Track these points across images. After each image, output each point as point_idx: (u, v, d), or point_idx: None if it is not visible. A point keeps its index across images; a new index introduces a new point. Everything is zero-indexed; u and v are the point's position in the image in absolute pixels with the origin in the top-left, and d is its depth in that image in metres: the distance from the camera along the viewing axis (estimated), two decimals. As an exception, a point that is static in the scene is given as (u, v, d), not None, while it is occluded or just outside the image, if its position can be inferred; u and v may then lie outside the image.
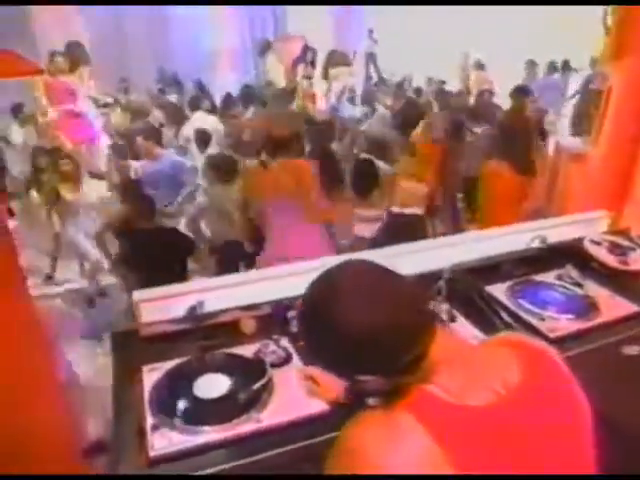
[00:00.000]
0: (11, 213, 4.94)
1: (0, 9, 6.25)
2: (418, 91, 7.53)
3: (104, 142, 5.52)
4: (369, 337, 0.74)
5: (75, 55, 5.58)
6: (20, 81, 4.90)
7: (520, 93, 4.46)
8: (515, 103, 4.40)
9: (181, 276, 3.09)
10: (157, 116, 6.15)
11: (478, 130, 4.66)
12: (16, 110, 5.65)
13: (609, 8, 2.98)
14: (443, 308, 1.61)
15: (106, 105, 6.08)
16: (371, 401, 0.85)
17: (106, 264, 3.68)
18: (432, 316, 0.82)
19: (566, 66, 8.19)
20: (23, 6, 7.08)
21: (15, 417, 1.27)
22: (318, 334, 0.80)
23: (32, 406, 1.36)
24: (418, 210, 3.34)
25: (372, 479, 0.70)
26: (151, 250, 2.97)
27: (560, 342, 1.49)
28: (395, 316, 0.75)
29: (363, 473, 0.70)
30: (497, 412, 0.75)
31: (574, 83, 7.58)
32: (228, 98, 6.21)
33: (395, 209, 3.33)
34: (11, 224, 4.34)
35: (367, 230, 3.43)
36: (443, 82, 8.67)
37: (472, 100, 7.08)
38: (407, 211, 3.28)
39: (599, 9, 3.12)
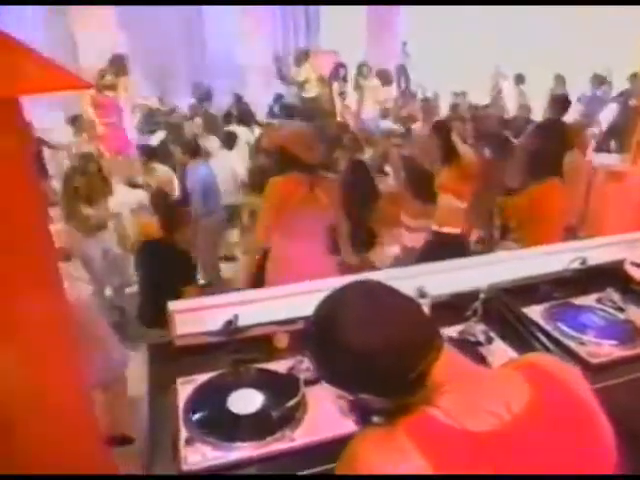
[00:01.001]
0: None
1: (46, 25, 6.53)
2: (454, 107, 7.43)
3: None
4: (369, 358, 0.77)
5: (119, 67, 5.82)
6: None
7: (559, 103, 4.40)
8: (553, 113, 4.34)
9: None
10: (190, 127, 6.32)
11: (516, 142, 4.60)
12: (74, 121, 5.86)
13: None
14: (479, 329, 1.59)
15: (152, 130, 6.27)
16: (375, 419, 0.87)
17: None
18: (434, 337, 0.81)
19: (604, 80, 8.02)
20: (67, 20, 7.37)
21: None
22: (321, 353, 0.84)
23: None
24: (456, 229, 3.23)
25: (371, 479, 0.71)
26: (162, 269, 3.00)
27: (602, 369, 1.45)
28: (395, 338, 0.78)
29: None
30: (498, 438, 0.74)
31: (613, 98, 7.45)
32: (271, 111, 6.31)
33: (434, 227, 3.24)
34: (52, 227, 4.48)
35: (415, 241, 3.40)
36: (464, 93, 8.61)
37: (506, 114, 7.02)
38: (445, 230, 3.20)
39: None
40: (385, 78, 8.16)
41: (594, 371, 1.44)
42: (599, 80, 8.12)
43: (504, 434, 0.74)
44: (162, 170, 4.68)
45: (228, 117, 6.10)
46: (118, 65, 5.91)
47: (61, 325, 1.28)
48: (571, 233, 3.99)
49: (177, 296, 2.82)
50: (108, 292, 3.95)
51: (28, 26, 6.52)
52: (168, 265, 3.02)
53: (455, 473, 0.70)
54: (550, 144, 3.94)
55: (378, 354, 0.77)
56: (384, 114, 7.42)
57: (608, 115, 7.34)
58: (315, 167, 2.51)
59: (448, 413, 0.75)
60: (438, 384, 0.79)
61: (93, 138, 5.59)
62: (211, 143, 5.18)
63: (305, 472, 1.13)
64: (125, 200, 4.40)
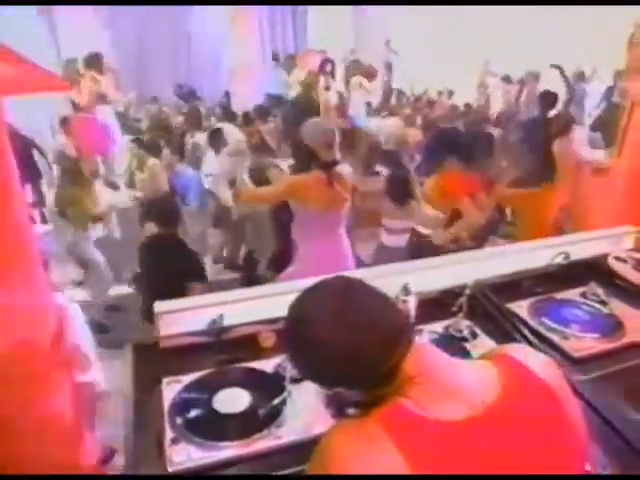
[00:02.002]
0: (44, 219, 5.08)
1: (29, 24, 6.45)
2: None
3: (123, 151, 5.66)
4: (340, 353, 0.79)
5: (96, 66, 5.77)
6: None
7: (547, 99, 4.43)
8: (541, 109, 4.37)
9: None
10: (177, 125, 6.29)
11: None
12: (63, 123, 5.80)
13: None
14: (464, 324, 1.60)
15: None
16: (351, 411, 0.88)
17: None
18: (405, 330, 0.83)
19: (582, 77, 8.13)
20: (49, 19, 7.30)
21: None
22: (295, 349, 0.86)
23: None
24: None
25: (371, 479, 0.71)
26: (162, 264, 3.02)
27: (584, 362, 1.46)
28: (366, 332, 0.79)
29: (332, 474, 0.74)
30: (469, 428, 0.75)
31: (597, 95, 7.53)
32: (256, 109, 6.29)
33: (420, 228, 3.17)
34: (42, 229, 4.46)
35: (392, 241, 3.39)
36: (451, 93, 8.67)
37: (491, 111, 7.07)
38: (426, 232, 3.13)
39: (624, 22, 3.10)
40: (371, 75, 8.16)
41: (578, 364, 1.46)
42: (579, 77, 8.24)
43: (476, 424, 0.76)
44: (154, 163, 4.66)
45: (214, 114, 6.08)
46: (95, 63, 5.85)
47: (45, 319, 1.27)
48: (558, 227, 4.04)
49: (182, 292, 2.92)
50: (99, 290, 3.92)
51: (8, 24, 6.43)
52: (175, 260, 3.06)
53: (428, 462, 0.71)
54: (536, 140, 4.00)
55: (349, 349, 0.78)
56: (369, 111, 7.44)
57: (593, 111, 7.43)
58: (334, 164, 2.52)
59: (420, 403, 0.77)
60: (411, 376, 0.80)
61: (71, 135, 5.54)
62: (199, 141, 5.17)
63: (292, 470, 1.12)
64: (108, 200, 4.38)
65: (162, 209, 3.26)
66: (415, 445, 0.72)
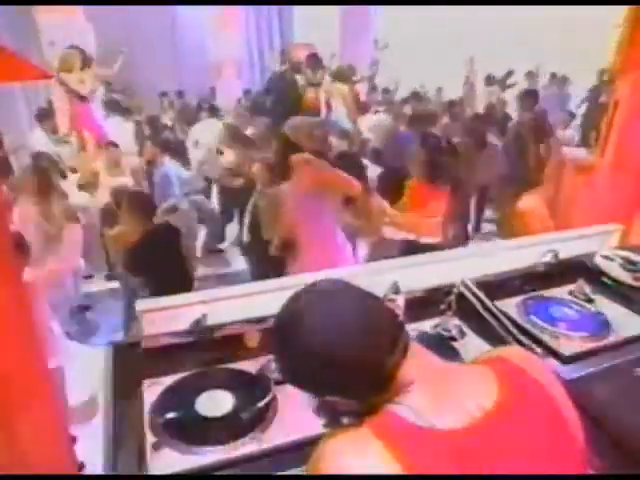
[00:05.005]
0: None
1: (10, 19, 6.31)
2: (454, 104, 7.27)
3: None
4: (332, 361, 0.75)
5: (81, 60, 5.67)
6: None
7: (529, 97, 4.45)
8: (523, 108, 4.39)
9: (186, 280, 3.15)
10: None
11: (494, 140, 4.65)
12: (43, 117, 5.67)
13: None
14: (453, 323, 1.58)
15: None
16: (344, 420, 0.85)
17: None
18: (399, 335, 0.79)
19: (563, 78, 8.26)
20: (32, 15, 7.12)
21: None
22: (284, 356, 0.82)
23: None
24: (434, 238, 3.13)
25: (370, 479, 0.69)
26: (155, 249, 3.04)
27: (573, 361, 1.45)
28: (358, 339, 0.76)
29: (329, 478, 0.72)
30: (468, 436, 0.73)
31: (581, 94, 7.62)
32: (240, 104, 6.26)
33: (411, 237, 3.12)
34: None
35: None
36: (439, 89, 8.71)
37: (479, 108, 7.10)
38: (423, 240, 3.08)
39: (608, 21, 3.11)
40: (353, 73, 8.12)
41: (566, 363, 1.45)
42: (557, 78, 8.35)
43: (474, 431, 0.73)
44: (134, 160, 4.60)
45: (199, 109, 6.02)
46: (80, 57, 5.74)
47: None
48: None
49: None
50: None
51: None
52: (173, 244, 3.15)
53: (425, 473, 0.69)
54: (522, 141, 4.01)
55: (341, 356, 0.75)
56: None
57: (577, 110, 7.52)
58: (316, 154, 2.57)
59: (417, 412, 0.74)
60: (406, 383, 0.77)
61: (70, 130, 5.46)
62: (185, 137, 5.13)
63: (275, 474, 1.09)
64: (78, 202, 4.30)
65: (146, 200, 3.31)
66: (412, 456, 0.70)
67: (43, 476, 1.24)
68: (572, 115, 7.34)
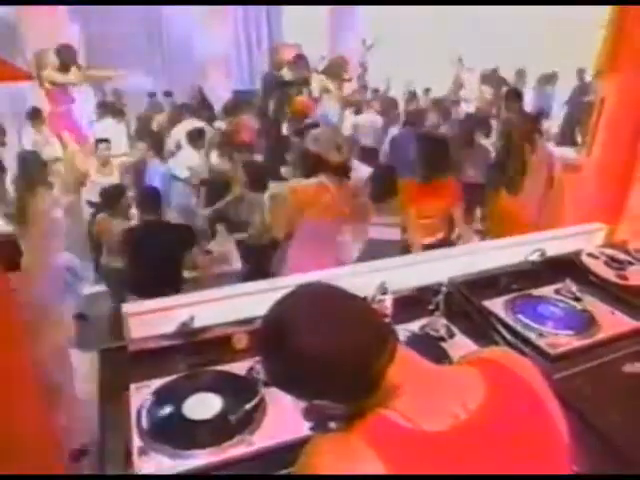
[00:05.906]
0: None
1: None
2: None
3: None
4: (320, 364, 0.75)
5: (67, 57, 5.60)
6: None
7: (514, 96, 4.49)
8: (509, 107, 4.43)
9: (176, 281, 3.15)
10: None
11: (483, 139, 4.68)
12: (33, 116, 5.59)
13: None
14: (441, 323, 1.58)
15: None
16: (332, 424, 0.85)
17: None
18: (387, 338, 0.79)
19: (553, 77, 8.32)
20: (14, 14, 7.02)
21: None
22: (271, 360, 0.82)
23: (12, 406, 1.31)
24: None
25: (369, 478, 0.68)
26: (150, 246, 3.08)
27: (560, 359, 1.46)
28: (346, 342, 0.75)
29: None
30: (454, 438, 0.73)
31: (564, 94, 7.69)
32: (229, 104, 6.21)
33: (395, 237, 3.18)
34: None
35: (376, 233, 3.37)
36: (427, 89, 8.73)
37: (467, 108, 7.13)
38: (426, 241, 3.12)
39: (590, 21, 3.15)
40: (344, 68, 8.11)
41: (554, 361, 1.46)
42: (546, 79, 8.42)
43: (460, 433, 0.73)
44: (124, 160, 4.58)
45: (187, 109, 5.96)
46: (66, 55, 5.67)
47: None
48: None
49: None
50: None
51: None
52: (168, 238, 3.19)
53: (408, 473, 0.69)
54: (509, 140, 4.03)
55: (329, 359, 0.75)
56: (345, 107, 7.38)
57: (562, 110, 7.58)
58: (341, 168, 2.48)
59: (405, 415, 0.74)
60: (394, 386, 0.77)
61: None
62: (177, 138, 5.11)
63: (264, 476, 1.09)
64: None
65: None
66: (401, 459, 0.70)
67: (43, 476, 1.24)
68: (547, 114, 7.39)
